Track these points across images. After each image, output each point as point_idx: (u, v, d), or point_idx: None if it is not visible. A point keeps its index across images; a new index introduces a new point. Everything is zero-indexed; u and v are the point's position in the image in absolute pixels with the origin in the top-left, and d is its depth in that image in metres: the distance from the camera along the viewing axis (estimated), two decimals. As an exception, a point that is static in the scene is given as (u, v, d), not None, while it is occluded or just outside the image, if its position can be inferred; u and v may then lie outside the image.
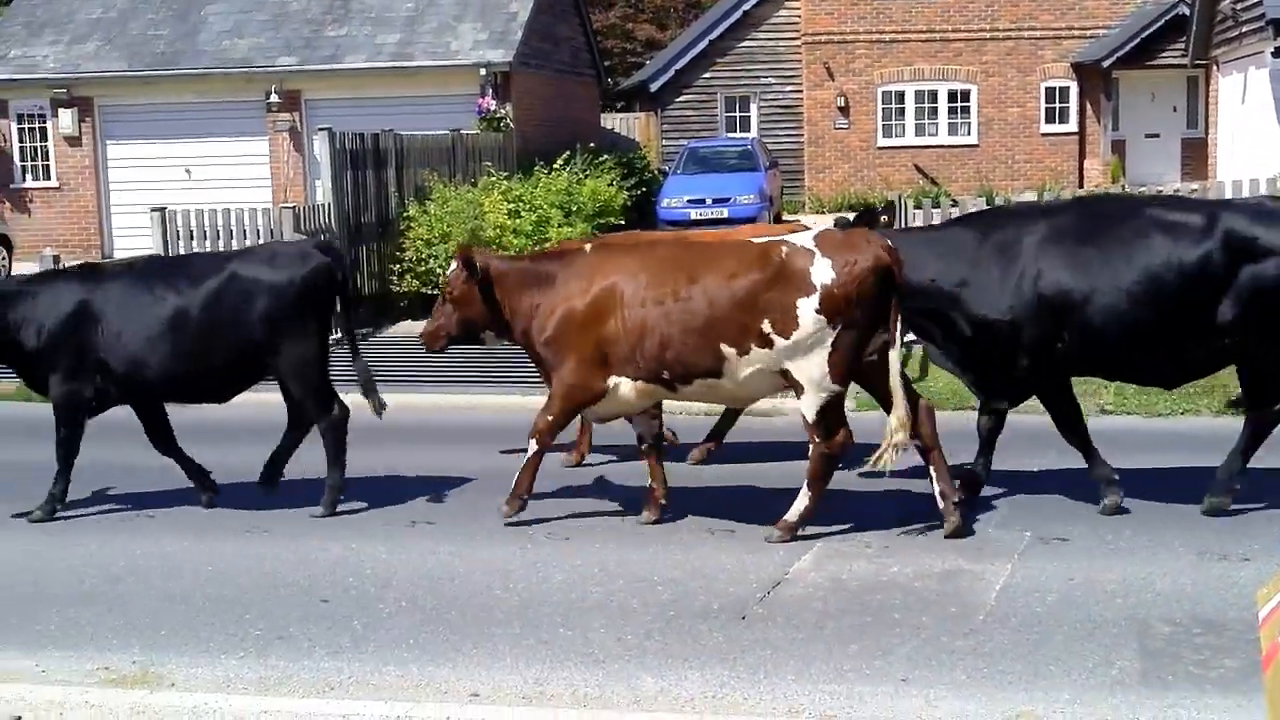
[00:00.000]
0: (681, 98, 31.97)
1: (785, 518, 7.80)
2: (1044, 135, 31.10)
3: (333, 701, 5.78)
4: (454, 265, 8.41)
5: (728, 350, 7.68)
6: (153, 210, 16.19)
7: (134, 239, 22.69)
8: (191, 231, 15.97)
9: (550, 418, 8.13)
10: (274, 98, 24.78)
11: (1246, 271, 7.66)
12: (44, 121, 25.73)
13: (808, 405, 7.68)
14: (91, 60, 25.49)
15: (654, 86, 32.04)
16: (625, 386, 7.95)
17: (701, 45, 31.94)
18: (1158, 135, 30.71)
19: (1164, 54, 29.04)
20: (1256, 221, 7.75)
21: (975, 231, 8.27)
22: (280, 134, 25.11)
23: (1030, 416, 11.10)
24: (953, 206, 14.49)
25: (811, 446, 7.77)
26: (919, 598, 6.79)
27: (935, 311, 8.19)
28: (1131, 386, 11.55)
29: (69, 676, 6.12)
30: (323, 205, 17.09)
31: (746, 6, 31.79)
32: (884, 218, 9.69)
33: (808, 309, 7.50)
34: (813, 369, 7.59)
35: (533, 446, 8.14)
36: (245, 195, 22.52)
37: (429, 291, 16.41)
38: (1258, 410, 8.10)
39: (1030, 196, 14.26)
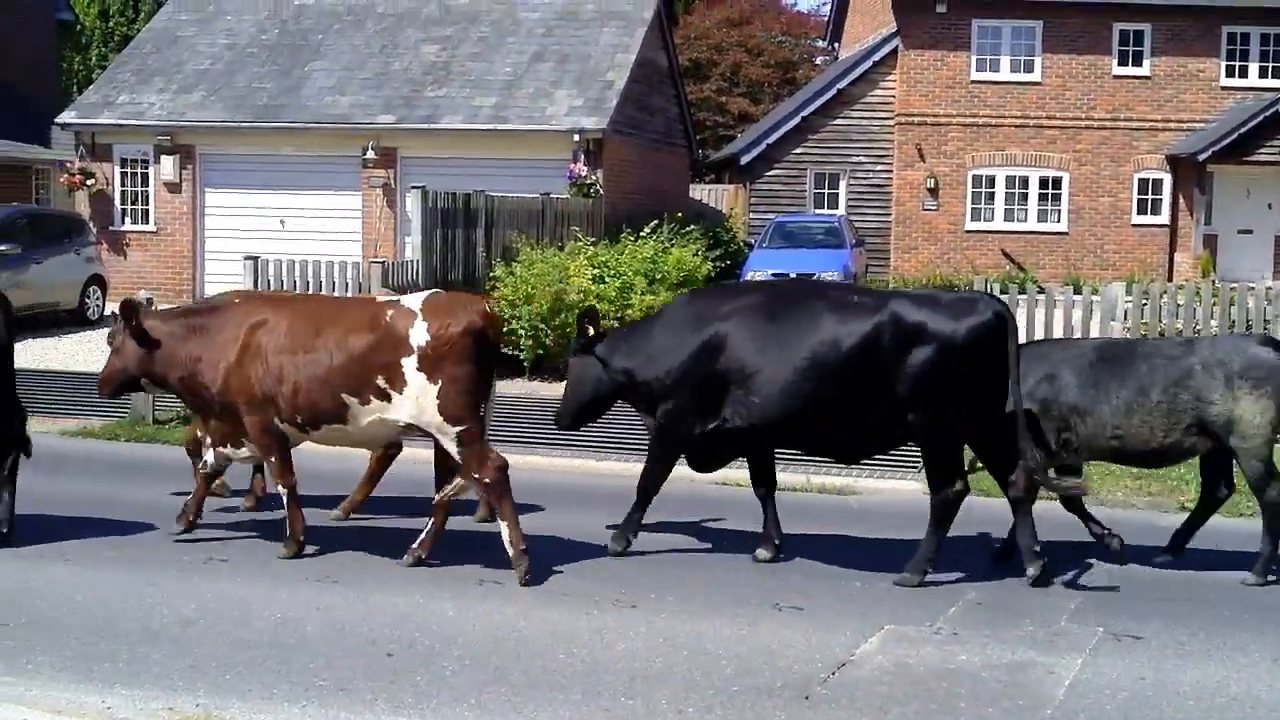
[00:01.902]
0: (771, 171, 32.10)
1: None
2: (1135, 226, 30.86)
3: (391, 756, 5.79)
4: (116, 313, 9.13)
5: (350, 399, 8.49)
6: (246, 258, 16.51)
7: (225, 284, 23.08)
8: (282, 281, 16.25)
9: (272, 460, 8.86)
10: (370, 154, 25.21)
11: (913, 355, 8.21)
12: (146, 167, 26.36)
13: (448, 447, 8.45)
14: (196, 110, 26.11)
15: (744, 159, 32.22)
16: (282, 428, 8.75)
17: (794, 121, 32.10)
18: (1251, 231, 30.38)
19: (1261, 150, 28.82)
20: (924, 308, 8.34)
21: (686, 309, 9.05)
22: (374, 189, 25.52)
23: (1105, 510, 10.96)
24: (1039, 293, 14.41)
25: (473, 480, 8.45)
26: (986, 688, 6.70)
27: (634, 385, 9.01)
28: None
29: (134, 715, 6.18)
30: (412, 261, 17.32)
31: (841, 85, 31.94)
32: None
33: (410, 366, 8.34)
34: (427, 417, 8.38)
35: (283, 490, 8.87)
36: (336, 248, 22.92)
37: (510, 352, 16.54)
38: (935, 491, 8.56)
39: (1119, 287, 14.14)
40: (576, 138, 24.55)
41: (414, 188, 17.84)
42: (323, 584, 8.30)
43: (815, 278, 24.32)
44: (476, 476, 8.40)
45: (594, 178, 24.49)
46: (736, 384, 8.56)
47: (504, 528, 8.40)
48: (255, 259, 16.40)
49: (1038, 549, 8.56)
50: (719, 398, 8.63)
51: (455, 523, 9.80)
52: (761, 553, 9.07)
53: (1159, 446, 8.75)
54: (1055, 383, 8.79)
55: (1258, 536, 8.85)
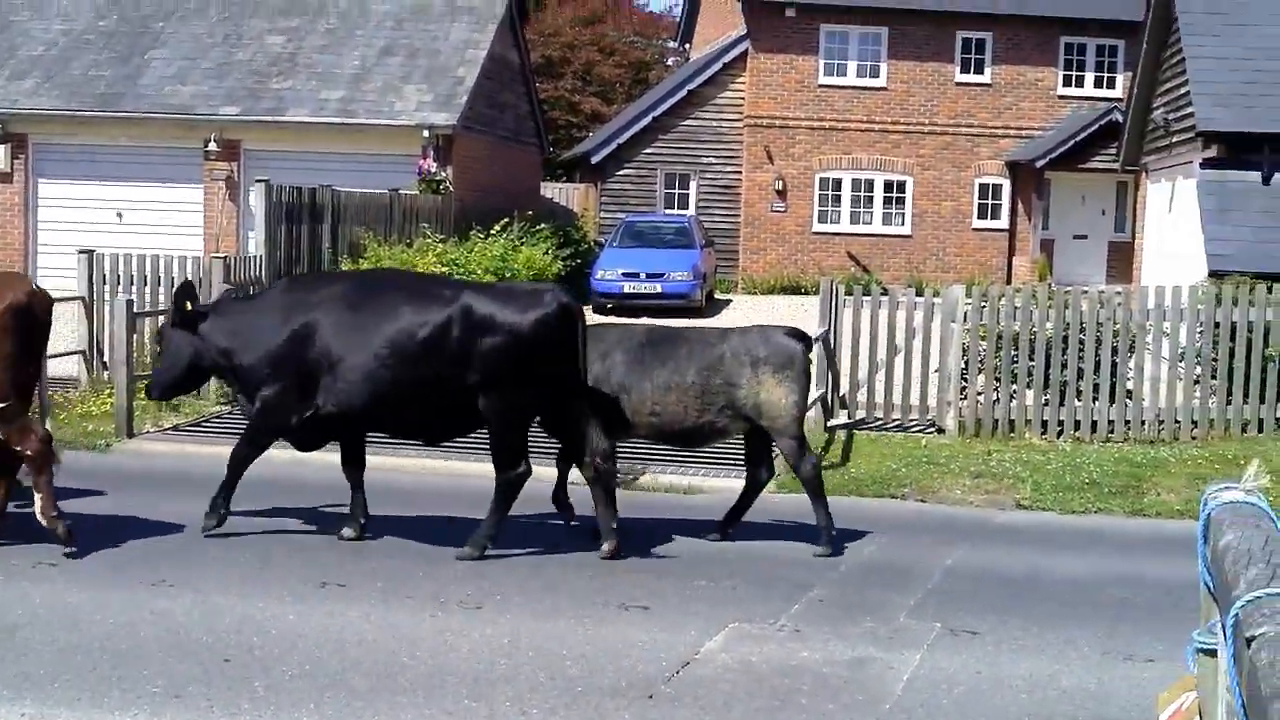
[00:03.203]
0: (622, 171, 32.18)
1: None
2: (975, 230, 31.59)
3: (227, 763, 5.66)
4: None
5: None
6: (80, 252, 16.03)
7: (60, 279, 22.41)
8: (119, 276, 15.80)
9: None
10: (213, 146, 24.68)
11: (482, 344, 8.67)
12: (-24, 156, 25.46)
13: None
14: (29, 97, 25.31)
15: (595, 159, 32.25)
16: None
17: (645, 121, 32.21)
18: (1086, 237, 31.32)
19: (1096, 158, 29.69)
20: (494, 300, 8.84)
21: (283, 295, 9.38)
22: (216, 183, 25.00)
23: (943, 508, 11.19)
24: (883, 295, 14.65)
25: None
26: (827, 684, 6.78)
27: (233, 366, 9.25)
28: (1048, 483, 11.69)
29: (-44, 725, 5.95)
30: (255, 257, 16.98)
31: (692, 86, 32.13)
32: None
33: None
34: None
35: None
36: (177, 242, 22.37)
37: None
38: (500, 472, 8.97)
39: (959, 290, 14.44)
40: (426, 133, 24.34)
41: (258, 181, 17.47)
42: (158, 588, 8.08)
43: (665, 277, 24.57)
44: (19, 449, 8.55)
45: (444, 174, 24.30)
46: (326, 371, 8.86)
47: (38, 499, 8.57)
48: (90, 253, 15.92)
49: (614, 525, 9.01)
50: (313, 383, 8.91)
51: (297, 525, 9.64)
52: (347, 532, 9.32)
53: (693, 425, 9.39)
54: (607, 361, 9.36)
55: (1081, 532, 9.10)
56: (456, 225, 23.27)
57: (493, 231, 21.97)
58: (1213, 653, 3.77)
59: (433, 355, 8.73)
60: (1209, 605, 3.94)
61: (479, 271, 19.46)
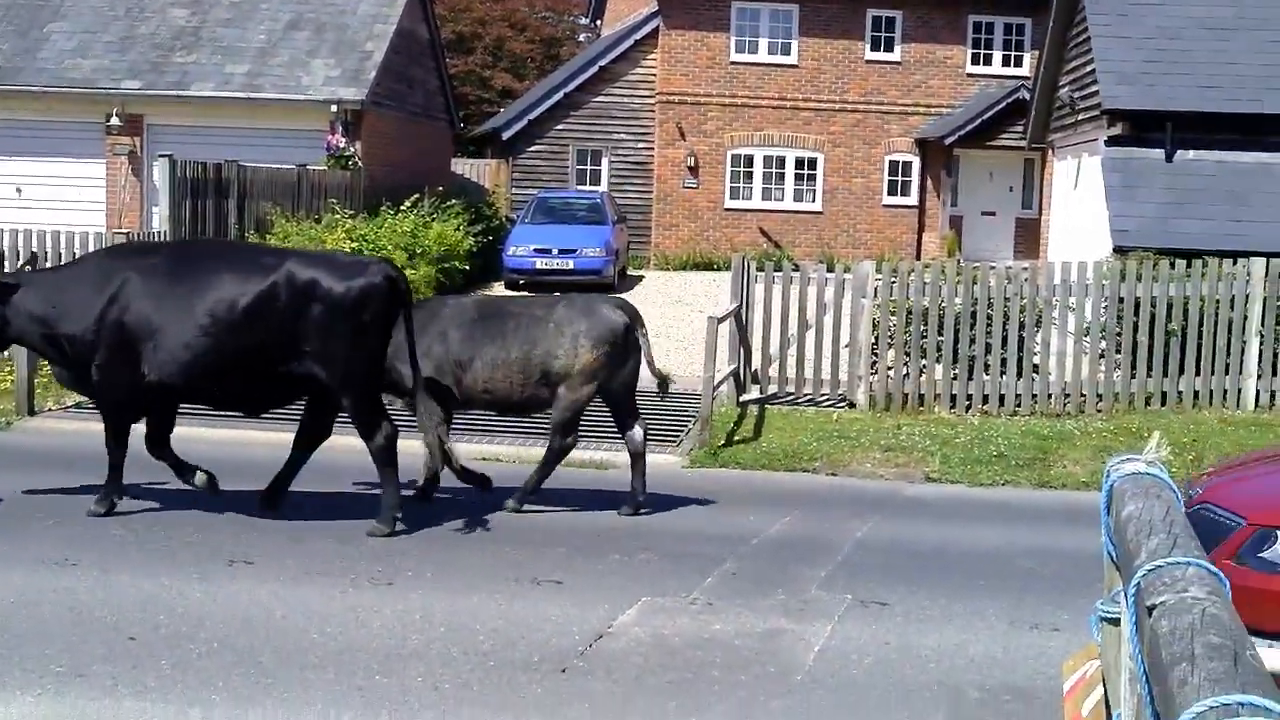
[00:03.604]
0: (534, 147, 32.03)
1: None
2: (886, 206, 31.82)
3: (133, 744, 5.57)
4: None
5: None
6: (-22, 228, 15.65)
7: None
8: (18, 252, 15.43)
9: None
10: (115, 121, 24.21)
11: (307, 313, 8.67)
12: None
13: None
14: (-75, 69, 24.66)
15: (506, 134, 32.06)
16: None
17: (556, 97, 32.06)
18: (994, 213, 31.68)
19: (1004, 135, 30.01)
20: (317, 269, 8.81)
21: (96, 264, 9.29)
22: (119, 158, 24.52)
23: (854, 481, 11.29)
24: (794, 270, 14.71)
25: None
26: (739, 656, 6.81)
27: (50, 336, 9.09)
28: (957, 456, 11.84)
29: None
30: (159, 233, 16.71)
31: (603, 62, 32.03)
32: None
33: None
34: None
35: None
36: (78, 218, 21.93)
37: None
38: (369, 440, 8.96)
39: (870, 265, 14.55)
40: (334, 109, 24.04)
41: (161, 156, 17.19)
42: (61, 566, 7.93)
43: (577, 253, 24.51)
44: None
45: (352, 150, 24.03)
46: (146, 340, 8.77)
47: None
48: (-10, 228, 15.54)
49: (396, 512, 8.99)
50: (136, 353, 8.80)
51: (204, 504, 9.51)
52: (198, 478, 9.32)
53: (520, 399, 9.57)
54: (446, 339, 9.49)
55: (988, 504, 9.20)
56: (366, 201, 23.05)
57: (403, 207, 21.78)
58: (1116, 621, 3.82)
59: (256, 324, 8.67)
60: (1112, 574, 4.00)
61: (389, 248, 19.29)
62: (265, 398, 9.21)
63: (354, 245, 18.44)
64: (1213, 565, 3.08)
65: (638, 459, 9.84)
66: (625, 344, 9.60)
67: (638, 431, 9.86)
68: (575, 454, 11.58)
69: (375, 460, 8.99)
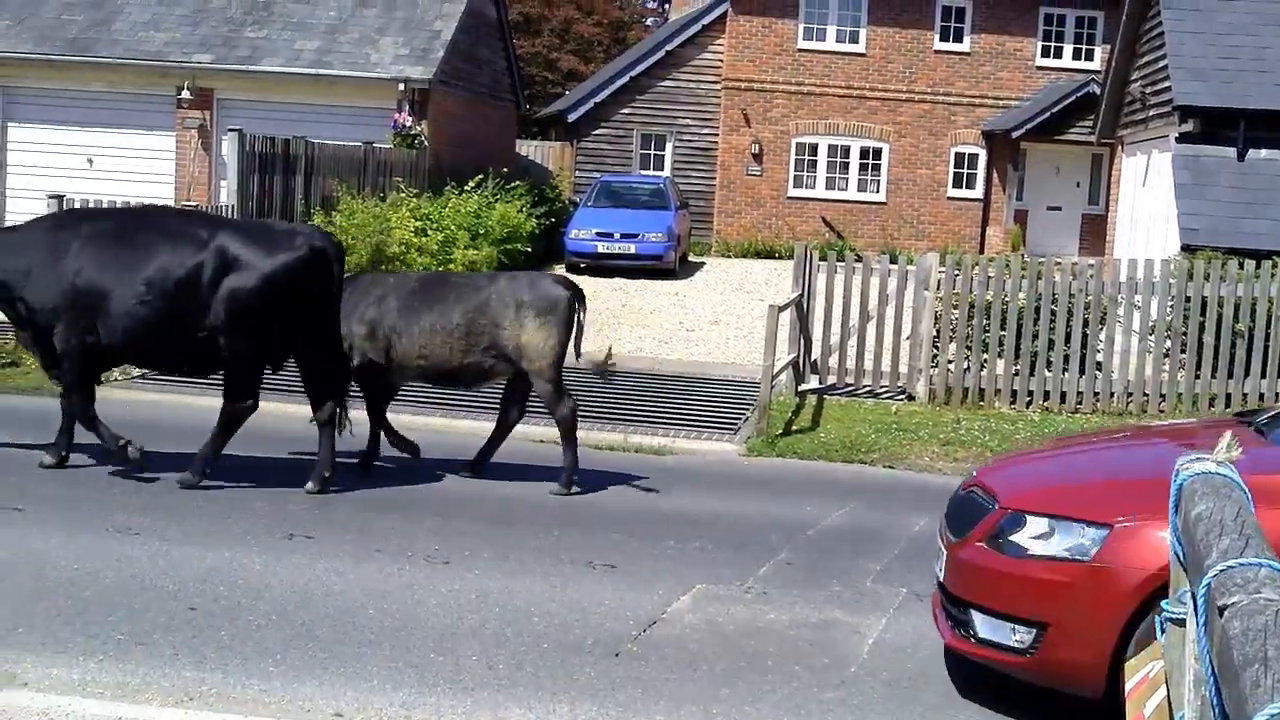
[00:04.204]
0: (598, 130, 32.02)
1: None
2: (950, 199, 31.58)
3: (191, 712, 5.63)
4: None
5: None
6: (50, 197, 15.84)
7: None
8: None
9: None
10: (185, 94, 24.42)
11: (229, 282, 8.90)
12: (-55, 98, 25.13)
13: None
14: (1, 40, 24.97)
15: (572, 117, 32.07)
16: None
17: (622, 80, 32.03)
18: (1059, 208, 31.36)
19: (1072, 130, 29.67)
20: (245, 240, 9.05)
21: (43, 230, 9.54)
22: (189, 131, 24.74)
23: (912, 475, 11.22)
24: (856, 261, 14.64)
25: None
26: (793, 647, 6.80)
27: (9, 299, 9.39)
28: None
29: (-83, 668, 5.90)
30: (227, 206, 16.85)
31: (670, 46, 31.95)
32: None
33: None
34: None
35: None
36: (147, 190, 22.17)
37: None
38: (229, 401, 9.21)
39: (933, 258, 14.44)
40: (401, 87, 24.12)
41: (230, 130, 17.33)
42: (123, 535, 8.03)
43: (639, 238, 24.50)
44: None
45: (419, 129, 24.12)
46: (94, 307, 9.01)
47: None
48: (60, 198, 15.74)
49: (328, 475, 9.26)
50: (90, 318, 9.05)
51: (265, 476, 9.59)
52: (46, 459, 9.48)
53: (459, 365, 9.67)
54: (382, 305, 9.67)
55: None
56: (431, 180, 23.13)
57: (466, 188, 21.85)
58: (1182, 622, 3.77)
59: (187, 293, 8.90)
60: (1179, 575, 3.94)
61: (453, 228, 19.37)
62: (206, 362, 9.35)
63: (418, 224, 18.52)
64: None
65: (507, 431, 10.14)
66: (569, 318, 9.72)
67: (519, 409, 10.11)
68: (632, 438, 11.62)
69: (220, 419, 9.21)
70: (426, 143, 24.14)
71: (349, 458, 9.88)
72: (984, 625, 6.06)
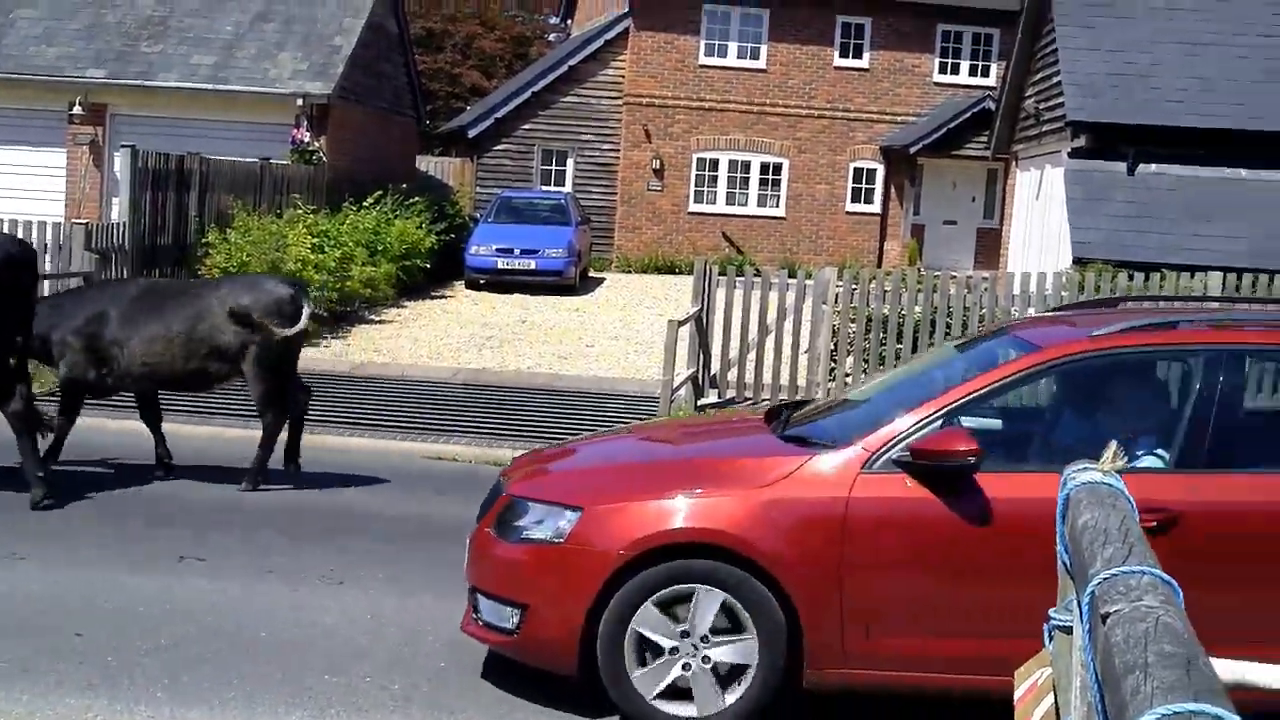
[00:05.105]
0: (499, 146, 31.93)
1: None
2: (849, 213, 31.88)
3: (75, 740, 5.49)
4: None
5: None
6: (-65, 214, 15.48)
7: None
8: (-25, 239, 15.26)
9: None
10: (77, 109, 23.98)
11: None
12: None
13: None
14: (-116, 53, 24.36)
15: (473, 132, 31.95)
16: None
17: (524, 96, 31.97)
18: (955, 223, 31.80)
19: (968, 145, 30.11)
20: None
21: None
22: (80, 147, 24.30)
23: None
24: (756, 276, 14.71)
25: None
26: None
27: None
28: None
29: None
30: (118, 224, 16.56)
31: (572, 62, 31.95)
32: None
33: None
34: None
35: None
36: (37, 207, 21.73)
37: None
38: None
39: (831, 272, 14.55)
40: (300, 102, 23.89)
41: (123, 147, 17.03)
42: (8, 561, 7.82)
43: (540, 253, 24.44)
44: None
45: (317, 144, 23.89)
46: None
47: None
48: (-54, 215, 15.38)
49: (41, 474, 9.07)
50: None
51: (146, 497, 9.40)
52: None
53: (183, 371, 9.77)
54: (103, 316, 9.72)
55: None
56: (329, 196, 22.91)
57: (365, 204, 21.67)
58: (1069, 630, 3.81)
59: None
60: (1066, 583, 3.98)
61: (350, 244, 19.18)
62: None
63: (315, 241, 18.33)
64: (1166, 575, 3.07)
65: (297, 425, 10.22)
66: (293, 314, 9.78)
67: (302, 401, 10.25)
68: (486, 452, 11.54)
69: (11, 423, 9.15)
70: (325, 158, 23.92)
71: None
72: (487, 608, 6.22)
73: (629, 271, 30.24)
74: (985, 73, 31.61)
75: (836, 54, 31.63)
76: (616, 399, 14.50)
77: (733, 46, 31.51)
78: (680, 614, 5.82)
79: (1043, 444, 6.68)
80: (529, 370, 15.91)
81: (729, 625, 5.81)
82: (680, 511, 5.86)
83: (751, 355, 14.45)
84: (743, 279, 14.64)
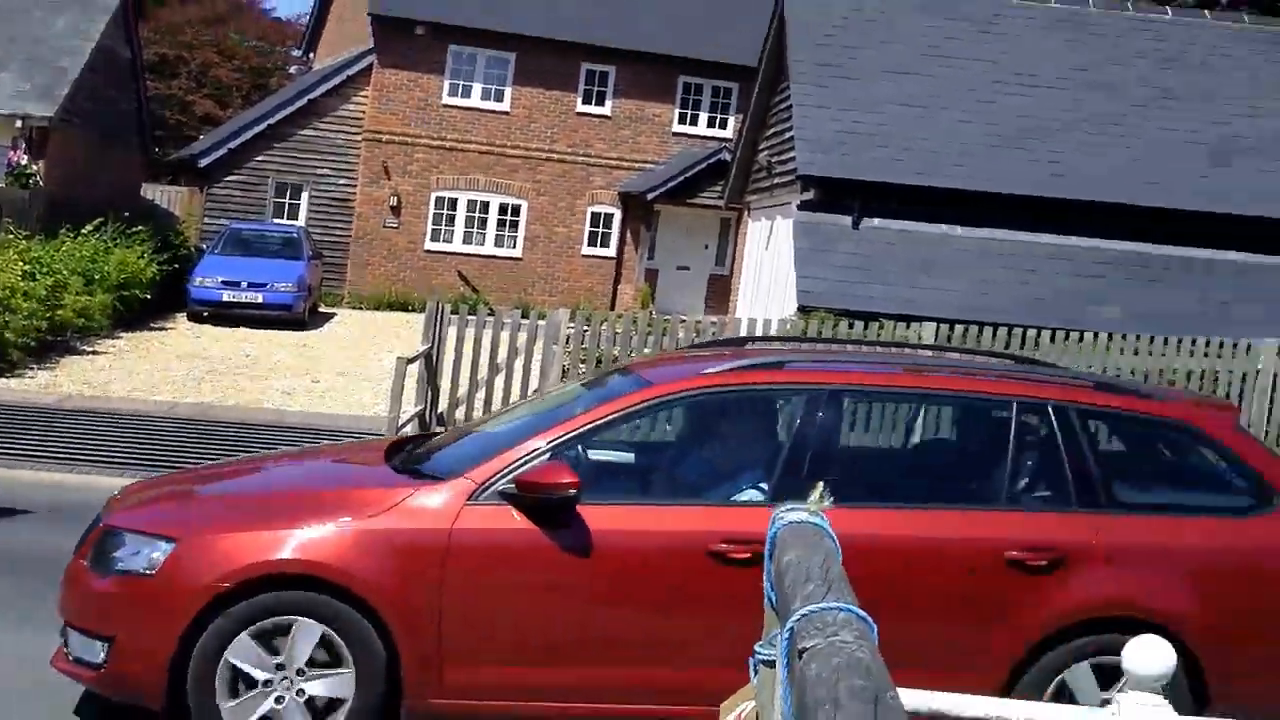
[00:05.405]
0: (231, 177, 31.04)
1: None
2: (585, 256, 32.11)
3: None
4: None
5: None
6: None
7: None
8: None
9: None
10: None
11: None
12: None
13: None
14: None
15: (204, 162, 30.98)
16: None
17: (260, 127, 31.19)
18: (688, 268, 32.35)
19: (703, 194, 30.68)
20: None
21: None
22: None
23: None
24: (488, 315, 14.58)
25: None
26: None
27: None
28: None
29: None
30: None
31: (312, 95, 31.36)
32: None
33: None
34: None
35: None
36: None
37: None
38: None
39: (564, 313, 14.53)
40: (19, 124, 22.73)
41: None
42: None
43: (268, 287, 23.78)
44: None
45: (35, 168, 22.75)
46: None
47: None
48: None
49: None
50: None
51: None
52: None
53: None
54: None
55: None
56: (46, 223, 21.83)
57: (84, 231, 20.75)
58: (772, 664, 3.80)
59: None
60: (771, 619, 3.98)
61: (64, 272, 18.32)
62: None
63: (26, 267, 17.42)
64: (862, 611, 3.08)
65: None
66: None
67: None
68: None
69: None
70: (41, 182, 22.80)
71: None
72: (76, 643, 6.06)
73: (361, 308, 29.74)
74: (723, 125, 32.31)
75: (580, 100, 31.89)
76: (341, 435, 14.13)
77: (477, 88, 31.47)
78: (280, 646, 5.71)
79: (657, 477, 6.87)
80: (253, 406, 15.40)
81: (328, 658, 5.75)
82: (281, 543, 5.77)
83: (481, 394, 14.29)
84: (474, 318, 14.50)
